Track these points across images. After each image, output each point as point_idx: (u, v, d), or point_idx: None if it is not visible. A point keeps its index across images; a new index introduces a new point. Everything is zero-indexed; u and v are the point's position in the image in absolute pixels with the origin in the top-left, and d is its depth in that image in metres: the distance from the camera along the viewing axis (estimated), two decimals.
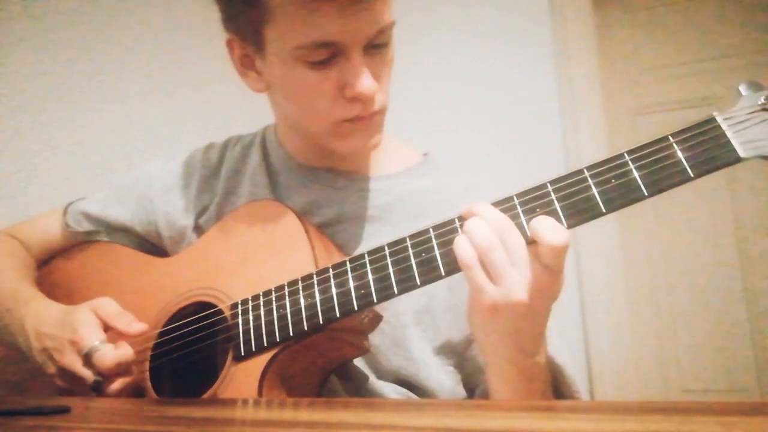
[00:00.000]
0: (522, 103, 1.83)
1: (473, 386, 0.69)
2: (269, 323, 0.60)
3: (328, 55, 0.61)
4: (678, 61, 2.06)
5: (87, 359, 0.61)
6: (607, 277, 1.76)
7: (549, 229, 0.49)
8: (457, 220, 0.55)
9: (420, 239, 0.55)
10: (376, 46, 0.63)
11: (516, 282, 0.49)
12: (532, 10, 1.85)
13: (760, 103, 0.48)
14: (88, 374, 0.61)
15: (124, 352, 0.62)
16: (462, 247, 0.51)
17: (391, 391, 0.66)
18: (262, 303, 0.61)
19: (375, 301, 0.56)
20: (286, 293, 0.60)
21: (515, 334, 0.52)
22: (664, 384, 2.00)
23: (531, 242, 0.51)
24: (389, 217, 0.72)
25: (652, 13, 2.11)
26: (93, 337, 0.62)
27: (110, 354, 0.61)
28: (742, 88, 0.50)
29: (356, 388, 0.66)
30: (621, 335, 1.76)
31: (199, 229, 0.78)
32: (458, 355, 0.69)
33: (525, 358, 0.54)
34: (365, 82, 0.61)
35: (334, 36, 0.59)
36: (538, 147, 1.78)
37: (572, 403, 0.60)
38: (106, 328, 0.64)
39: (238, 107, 1.65)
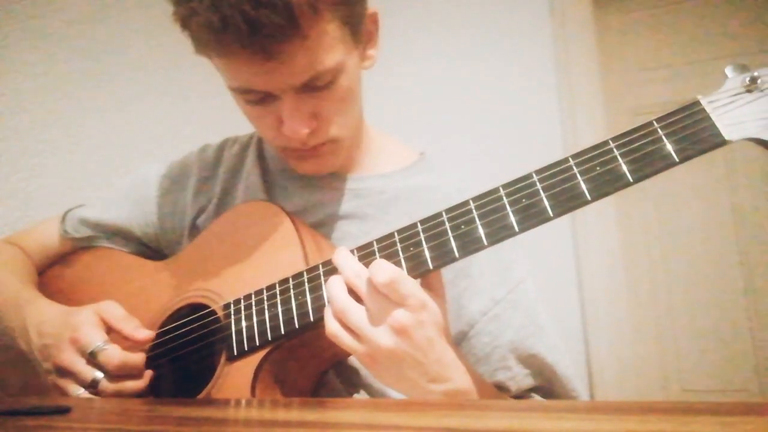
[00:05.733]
0: (522, 102, 1.83)
1: None
2: (261, 323, 0.60)
3: (261, 96, 0.62)
4: (678, 61, 2.06)
5: (92, 358, 0.61)
6: (607, 277, 1.76)
7: (373, 268, 0.51)
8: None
9: (408, 233, 0.55)
10: (316, 88, 0.61)
11: (376, 335, 0.50)
12: (532, 10, 1.85)
13: (744, 84, 0.47)
14: (87, 371, 0.61)
15: (135, 356, 0.62)
16: (327, 320, 0.53)
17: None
18: (253, 303, 0.61)
19: None
20: (278, 292, 0.60)
21: (413, 370, 0.51)
22: (664, 384, 2.00)
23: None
24: (384, 216, 0.72)
25: (652, 13, 2.11)
26: (95, 337, 0.62)
27: (117, 354, 0.61)
28: (728, 71, 0.49)
29: (354, 384, 0.66)
30: (621, 335, 1.76)
31: (196, 230, 0.78)
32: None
33: (440, 386, 0.53)
34: (291, 126, 0.61)
35: (256, 85, 0.60)
36: (538, 147, 1.78)
37: (572, 403, 0.60)
38: (108, 330, 0.64)
39: (237, 108, 1.65)
